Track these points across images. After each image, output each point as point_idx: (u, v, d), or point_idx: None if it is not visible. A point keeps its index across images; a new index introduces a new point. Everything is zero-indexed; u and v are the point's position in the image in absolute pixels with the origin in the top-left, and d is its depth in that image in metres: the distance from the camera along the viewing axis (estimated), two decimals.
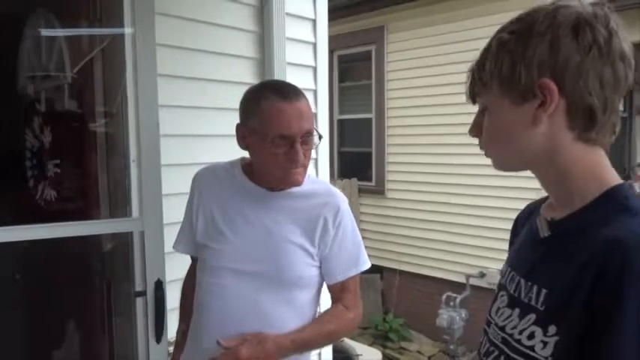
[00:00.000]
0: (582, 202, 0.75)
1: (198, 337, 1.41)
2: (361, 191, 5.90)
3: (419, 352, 5.05)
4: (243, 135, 1.34)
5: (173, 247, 1.54)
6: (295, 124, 1.26)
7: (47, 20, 2.23)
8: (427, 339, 5.24)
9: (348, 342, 4.09)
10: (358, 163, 6.11)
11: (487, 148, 0.83)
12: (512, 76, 0.74)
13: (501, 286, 0.88)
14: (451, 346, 4.82)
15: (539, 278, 0.77)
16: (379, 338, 5.26)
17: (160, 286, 1.84)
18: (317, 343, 1.44)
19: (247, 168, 1.42)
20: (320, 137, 1.35)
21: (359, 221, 5.95)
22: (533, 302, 0.76)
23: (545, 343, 0.71)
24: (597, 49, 0.71)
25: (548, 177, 0.80)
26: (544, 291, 0.75)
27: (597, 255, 0.67)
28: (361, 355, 3.85)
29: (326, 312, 1.45)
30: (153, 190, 1.87)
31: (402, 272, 5.61)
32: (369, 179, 5.94)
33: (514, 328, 0.78)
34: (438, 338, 5.05)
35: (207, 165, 1.51)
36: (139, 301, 1.86)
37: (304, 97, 1.32)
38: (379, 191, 5.78)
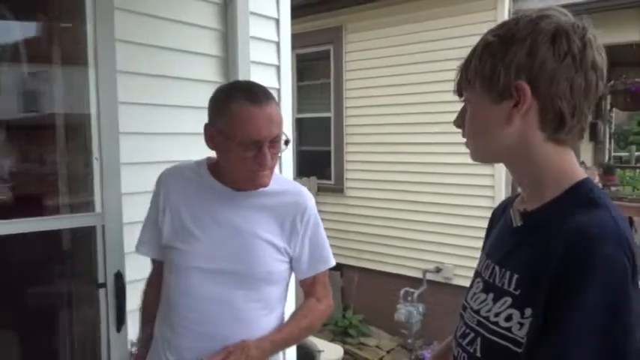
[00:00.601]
0: (553, 194, 0.81)
1: (171, 337, 1.39)
2: (320, 190, 5.94)
3: (377, 346, 5.14)
4: (212, 135, 1.34)
5: (136, 248, 1.50)
6: (265, 129, 1.27)
7: None
8: (386, 334, 5.33)
9: (310, 338, 4.12)
10: (317, 161, 6.14)
11: (467, 139, 0.90)
12: (493, 76, 0.80)
13: (477, 274, 0.94)
14: (409, 340, 4.93)
15: (511, 264, 0.83)
16: (339, 334, 5.31)
17: (120, 278, 1.87)
18: (295, 339, 1.48)
19: (214, 168, 1.42)
20: (287, 142, 1.36)
21: None
22: (506, 287, 0.82)
23: (521, 325, 0.76)
24: (571, 57, 0.77)
25: (522, 171, 0.86)
26: (515, 276, 0.80)
27: (564, 242, 0.72)
28: (323, 351, 3.89)
29: (300, 307, 1.49)
30: (113, 186, 1.88)
31: (361, 269, 5.68)
32: (328, 178, 5.99)
33: (489, 311, 0.83)
34: (396, 333, 5.15)
35: (173, 165, 1.49)
36: (101, 292, 1.88)
37: (274, 100, 1.33)
38: (338, 189, 5.84)
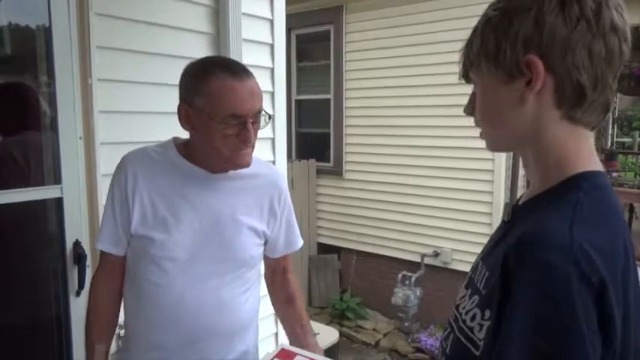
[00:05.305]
0: (547, 185, 0.74)
1: (146, 334, 1.33)
2: (319, 172, 5.90)
3: (374, 329, 5.15)
4: (187, 115, 1.26)
5: (97, 245, 1.36)
6: (248, 103, 1.22)
7: None
8: (383, 317, 5.33)
9: None
10: (316, 143, 6.09)
11: (480, 127, 0.82)
12: (498, 54, 0.72)
13: (471, 268, 0.90)
14: (406, 324, 4.94)
15: (488, 262, 0.77)
16: (336, 317, 5.32)
17: (78, 245, 1.91)
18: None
19: (183, 149, 1.34)
20: (269, 117, 1.32)
21: (317, 202, 5.96)
22: (478, 284, 0.76)
23: (481, 326, 0.70)
24: (585, 21, 0.68)
25: (530, 159, 0.78)
26: (487, 274, 0.74)
27: (512, 244, 0.68)
28: (318, 334, 3.88)
29: (291, 288, 1.55)
30: (72, 160, 1.89)
31: (359, 252, 5.67)
32: (327, 160, 5.93)
33: (464, 307, 0.78)
34: (393, 316, 5.15)
35: (137, 148, 1.39)
36: (61, 259, 1.92)
37: (253, 75, 1.28)
38: (337, 172, 5.79)
